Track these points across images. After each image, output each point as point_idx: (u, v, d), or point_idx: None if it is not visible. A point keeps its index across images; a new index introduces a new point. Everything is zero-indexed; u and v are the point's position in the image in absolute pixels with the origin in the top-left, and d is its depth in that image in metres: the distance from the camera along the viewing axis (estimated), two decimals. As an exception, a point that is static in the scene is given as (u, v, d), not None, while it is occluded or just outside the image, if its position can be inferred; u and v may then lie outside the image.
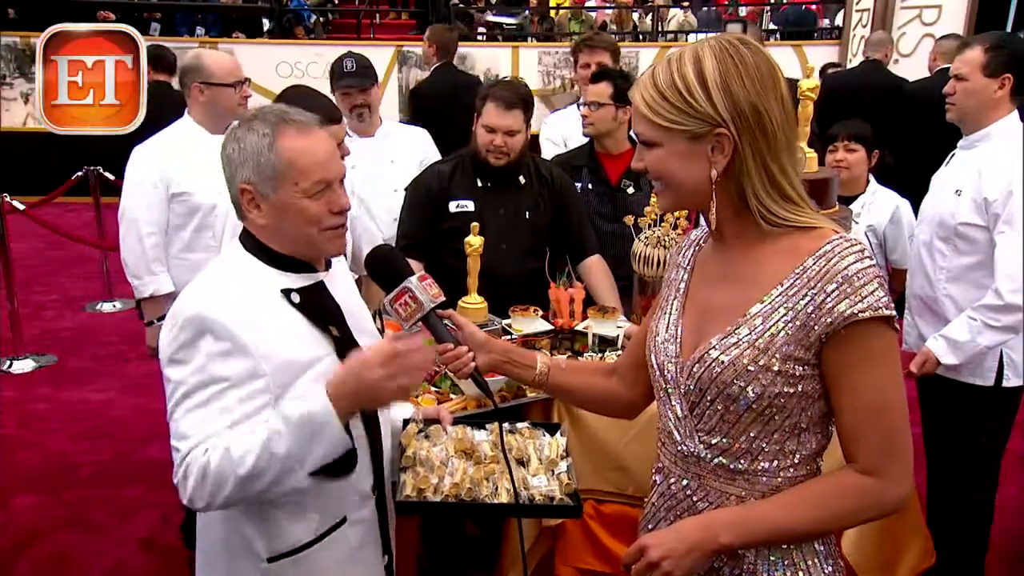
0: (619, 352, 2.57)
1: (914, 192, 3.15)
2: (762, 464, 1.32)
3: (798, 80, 2.75)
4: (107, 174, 5.95)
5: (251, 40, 10.89)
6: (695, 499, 1.39)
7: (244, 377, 1.42)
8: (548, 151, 3.89)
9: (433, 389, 2.43)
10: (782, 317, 1.26)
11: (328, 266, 1.63)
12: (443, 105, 4.96)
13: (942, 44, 5.54)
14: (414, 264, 2.50)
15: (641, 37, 11.56)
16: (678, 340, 1.39)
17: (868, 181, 3.43)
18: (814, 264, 1.25)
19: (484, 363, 1.60)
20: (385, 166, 3.44)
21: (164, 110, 4.43)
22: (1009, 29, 7.83)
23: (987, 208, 2.53)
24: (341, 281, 1.67)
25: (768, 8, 12.18)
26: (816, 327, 1.24)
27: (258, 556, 1.55)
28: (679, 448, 1.40)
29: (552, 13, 12.57)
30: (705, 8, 12.05)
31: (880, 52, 6.15)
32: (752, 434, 1.31)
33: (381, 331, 1.80)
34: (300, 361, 1.49)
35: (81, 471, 3.79)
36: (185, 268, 3.04)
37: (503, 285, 2.73)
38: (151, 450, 3.93)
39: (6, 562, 3.14)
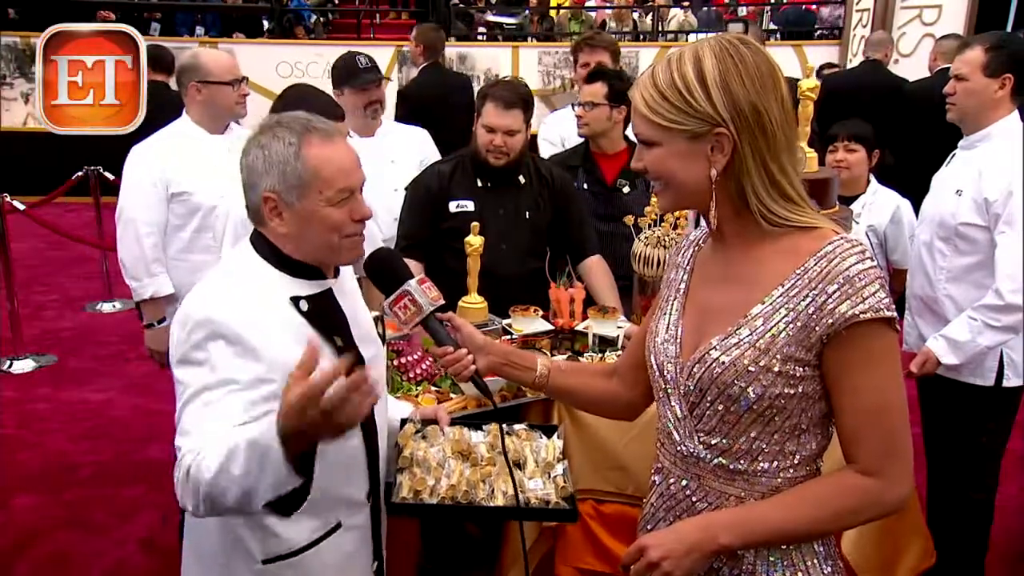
0: (619, 352, 2.56)
1: (914, 192, 3.15)
2: (762, 465, 1.32)
3: (798, 80, 2.75)
4: (107, 174, 5.95)
5: (251, 40, 10.89)
6: (694, 499, 1.39)
7: (254, 381, 1.42)
8: (546, 151, 3.89)
9: (433, 388, 2.43)
10: (783, 318, 1.26)
11: (337, 273, 1.63)
12: (433, 106, 4.93)
13: (942, 44, 5.54)
14: (414, 265, 2.50)
15: (641, 37, 11.56)
16: (678, 340, 1.39)
17: (869, 181, 3.43)
18: (815, 265, 1.25)
19: (484, 366, 1.60)
20: (385, 166, 3.43)
21: (163, 110, 4.43)
22: (1009, 29, 7.83)
23: (987, 208, 2.53)
24: (348, 288, 1.67)
25: (768, 8, 12.17)
26: (817, 328, 1.23)
27: (252, 557, 1.55)
28: (678, 448, 1.40)
29: (552, 13, 12.56)
30: (705, 8, 12.04)
31: (880, 52, 6.15)
32: (752, 435, 1.31)
33: (383, 337, 1.80)
34: None
35: (81, 471, 3.79)
36: (184, 269, 3.01)
37: (503, 285, 2.72)
38: (151, 450, 3.93)
39: (6, 562, 3.14)
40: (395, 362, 2.44)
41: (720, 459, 1.34)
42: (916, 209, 3.05)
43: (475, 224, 2.57)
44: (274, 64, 9.25)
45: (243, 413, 1.41)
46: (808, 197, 1.31)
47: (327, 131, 1.51)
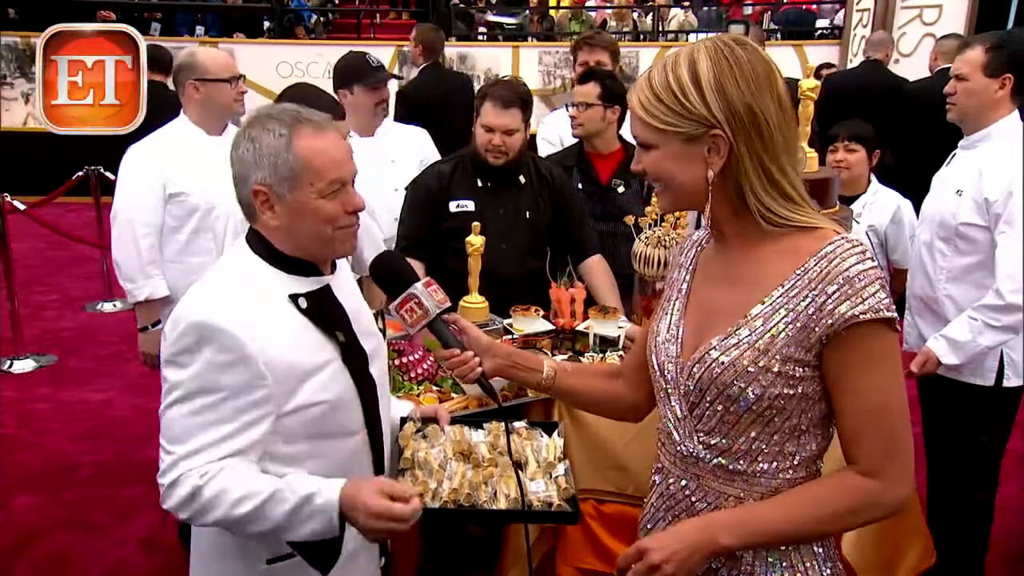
0: (620, 352, 2.57)
1: (915, 192, 3.15)
2: (761, 465, 1.32)
3: (798, 80, 2.75)
4: (107, 174, 5.94)
5: (251, 40, 10.89)
6: (694, 500, 1.39)
7: (243, 388, 1.41)
8: (545, 151, 3.89)
9: (435, 388, 2.43)
10: (783, 318, 1.26)
11: (333, 269, 1.62)
12: (432, 106, 4.93)
13: (943, 44, 5.53)
14: (415, 265, 2.49)
15: (642, 37, 11.56)
16: (679, 340, 1.39)
17: (869, 181, 3.43)
18: (815, 265, 1.25)
19: (490, 368, 1.59)
20: (385, 166, 3.43)
21: (163, 110, 4.42)
22: (1009, 29, 7.82)
23: (988, 208, 2.53)
24: (345, 283, 1.67)
25: (768, 9, 12.18)
26: (817, 328, 1.23)
27: (256, 558, 1.54)
28: (678, 448, 1.40)
29: (552, 12, 12.57)
30: (705, 8, 12.04)
31: (881, 52, 6.15)
32: (752, 435, 1.31)
33: (383, 331, 1.79)
34: (304, 367, 1.48)
35: (81, 471, 3.79)
36: (180, 272, 2.96)
37: (503, 285, 2.73)
38: (151, 450, 3.92)
39: (6, 562, 3.14)
40: (396, 362, 2.44)
41: (719, 459, 1.34)
42: (916, 209, 3.05)
43: (476, 224, 2.57)
44: (274, 64, 9.25)
45: (233, 421, 1.41)
46: (809, 197, 1.31)
47: (318, 122, 1.49)
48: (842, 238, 1.26)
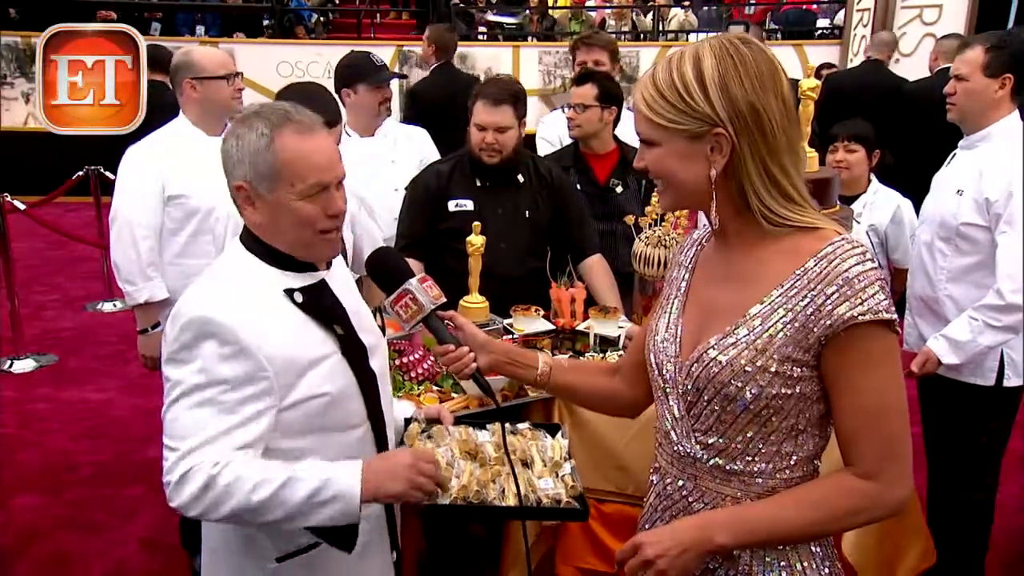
0: (620, 352, 2.57)
1: (915, 192, 3.15)
2: (758, 465, 1.32)
3: (798, 80, 2.75)
4: (107, 174, 5.94)
5: (251, 40, 10.89)
6: (691, 499, 1.39)
7: (244, 380, 1.42)
8: (544, 151, 3.90)
9: (435, 388, 2.43)
10: (781, 318, 1.26)
11: (329, 265, 1.63)
12: (443, 105, 4.95)
13: (943, 44, 5.53)
14: (414, 264, 2.49)
15: (642, 36, 11.56)
16: (677, 340, 1.39)
17: (869, 181, 3.43)
18: (815, 266, 1.24)
19: (485, 364, 1.59)
20: (385, 166, 3.43)
21: (163, 110, 4.42)
22: (1010, 29, 7.83)
23: (988, 208, 2.53)
24: (341, 279, 1.67)
25: (768, 8, 12.18)
26: (815, 329, 1.23)
27: (265, 556, 1.55)
28: (675, 448, 1.40)
29: (552, 12, 12.57)
30: (706, 8, 12.05)
31: (883, 52, 6.15)
32: (749, 435, 1.31)
33: (382, 329, 1.80)
34: (304, 360, 1.48)
35: (81, 471, 3.79)
36: (179, 274, 2.93)
37: (502, 285, 2.72)
38: (151, 450, 3.92)
39: (6, 562, 3.14)
40: (396, 362, 2.44)
41: (717, 459, 1.34)
42: (916, 209, 3.05)
43: (477, 224, 2.57)
44: (274, 64, 9.26)
45: (237, 413, 1.41)
46: (810, 197, 1.31)
47: (304, 123, 1.48)
48: (842, 239, 1.26)
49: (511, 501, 1.57)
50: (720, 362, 1.28)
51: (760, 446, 1.31)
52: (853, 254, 1.23)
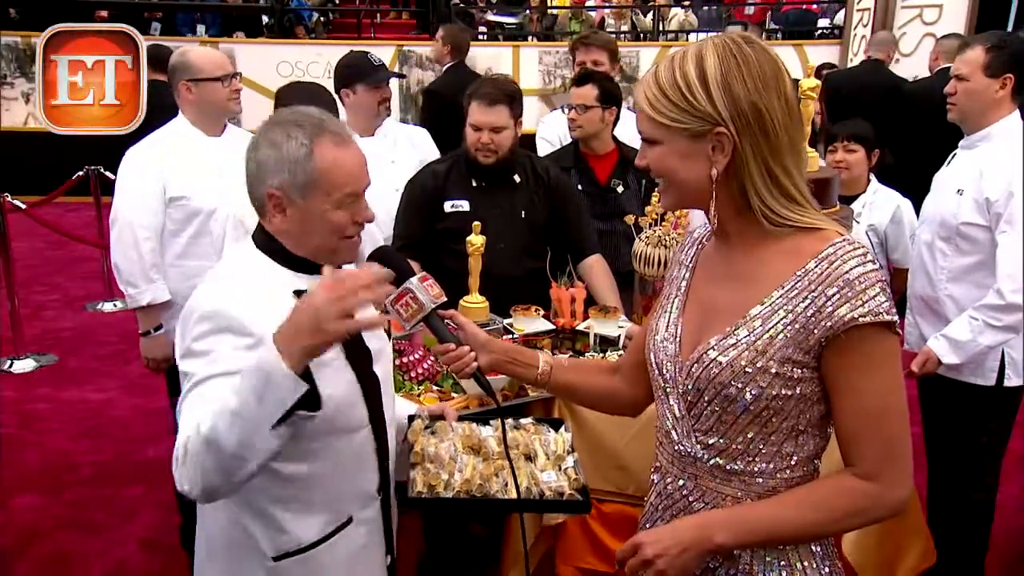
0: (620, 352, 2.57)
1: (915, 192, 3.15)
2: (759, 465, 1.32)
3: (798, 80, 2.75)
4: (108, 174, 5.94)
5: (251, 40, 10.88)
6: (691, 499, 1.39)
7: None
8: (544, 151, 3.89)
9: (435, 388, 2.43)
10: (781, 319, 1.25)
11: (340, 267, 1.63)
12: (458, 104, 4.96)
13: (943, 44, 5.54)
14: (412, 264, 2.49)
15: (642, 36, 11.56)
16: (677, 339, 1.38)
17: (869, 181, 3.43)
18: (816, 267, 1.24)
19: (486, 363, 1.59)
20: (385, 166, 3.42)
21: (163, 110, 4.41)
22: (1010, 29, 7.83)
23: (989, 208, 2.53)
24: None
25: (769, 8, 12.19)
26: (816, 330, 1.23)
27: (263, 555, 1.55)
28: (676, 448, 1.39)
29: (550, 12, 12.58)
30: (706, 7, 12.05)
31: (884, 52, 6.15)
32: (749, 435, 1.31)
33: (388, 332, 1.80)
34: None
35: (81, 471, 3.79)
36: (180, 275, 2.93)
37: (500, 285, 2.72)
38: (151, 450, 3.93)
39: (6, 562, 3.14)
40: (397, 362, 2.44)
41: (717, 459, 1.34)
42: (917, 209, 3.05)
43: (477, 223, 2.57)
44: (274, 64, 9.25)
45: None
46: (812, 198, 1.31)
47: (340, 134, 1.51)
48: (844, 240, 1.26)
49: (514, 495, 1.58)
50: (720, 363, 1.28)
51: (761, 446, 1.31)
52: (854, 255, 1.23)
